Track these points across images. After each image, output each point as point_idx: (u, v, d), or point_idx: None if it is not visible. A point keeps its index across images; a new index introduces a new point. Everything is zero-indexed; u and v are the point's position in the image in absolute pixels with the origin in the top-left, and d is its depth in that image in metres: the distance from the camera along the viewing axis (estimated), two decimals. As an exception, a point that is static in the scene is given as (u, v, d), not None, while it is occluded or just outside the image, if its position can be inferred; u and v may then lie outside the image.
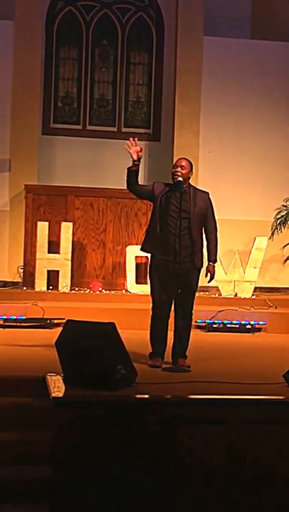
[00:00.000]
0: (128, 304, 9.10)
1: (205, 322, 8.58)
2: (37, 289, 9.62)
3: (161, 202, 6.13)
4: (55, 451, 4.60)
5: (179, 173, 6.13)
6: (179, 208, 6.04)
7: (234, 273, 9.86)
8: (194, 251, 6.16)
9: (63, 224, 9.86)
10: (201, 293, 10.00)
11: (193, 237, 6.15)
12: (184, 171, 6.16)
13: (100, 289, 9.82)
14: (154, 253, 6.17)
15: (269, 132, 11.33)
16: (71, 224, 9.91)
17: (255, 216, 10.98)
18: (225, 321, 8.64)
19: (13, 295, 9.40)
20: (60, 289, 9.65)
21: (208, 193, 6.33)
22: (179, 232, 6.03)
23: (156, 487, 4.58)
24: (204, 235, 6.35)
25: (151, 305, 6.27)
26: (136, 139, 6.19)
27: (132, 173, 6.16)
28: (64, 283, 9.67)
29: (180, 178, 6.11)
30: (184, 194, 6.10)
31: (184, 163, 6.21)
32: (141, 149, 6.19)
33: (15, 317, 8.30)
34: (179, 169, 6.15)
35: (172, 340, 6.21)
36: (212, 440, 4.66)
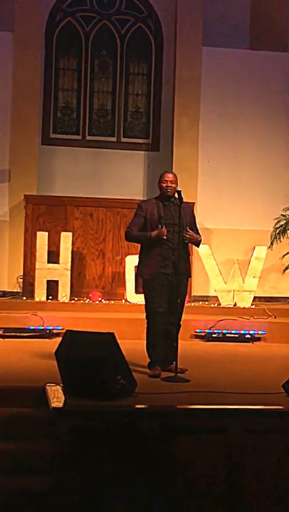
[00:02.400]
0: (127, 313, 9.09)
1: (204, 332, 8.58)
2: (36, 298, 9.63)
3: (155, 220, 6.23)
4: (54, 461, 4.60)
5: (170, 190, 6.27)
6: (174, 223, 6.19)
7: (233, 282, 9.87)
8: (187, 262, 6.34)
9: (63, 234, 9.87)
10: (200, 302, 10.04)
11: (185, 249, 6.32)
12: (174, 185, 6.30)
13: (100, 298, 9.82)
14: (154, 270, 6.20)
15: (268, 142, 11.36)
16: (70, 234, 9.93)
17: (254, 226, 11.00)
18: (224, 331, 8.64)
19: (13, 305, 9.41)
20: (59, 298, 9.65)
21: (192, 204, 6.50)
22: (175, 245, 6.19)
23: (155, 497, 4.57)
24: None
25: (147, 315, 6.29)
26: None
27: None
28: (63, 293, 9.67)
29: (169, 194, 6.26)
30: (174, 208, 6.22)
31: (172, 177, 6.33)
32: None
33: (14, 327, 8.30)
34: (170, 185, 6.28)
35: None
36: (212, 450, 4.65)
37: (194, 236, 6.29)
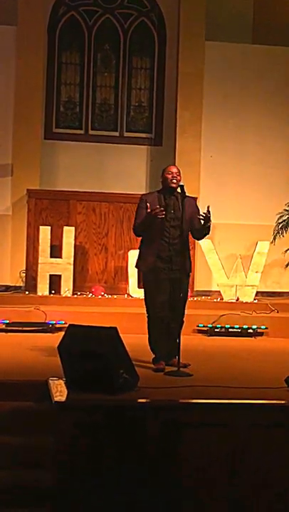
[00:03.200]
0: (130, 308, 9.09)
1: (207, 326, 8.59)
2: (39, 293, 9.63)
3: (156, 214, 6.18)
4: (57, 455, 4.61)
5: (175, 181, 6.23)
6: (172, 217, 6.16)
7: (236, 277, 9.87)
8: (185, 258, 6.24)
9: (65, 228, 9.87)
10: (203, 297, 10.04)
11: (185, 244, 6.23)
12: (178, 177, 6.26)
13: (102, 293, 9.82)
14: (150, 263, 6.19)
15: (271, 137, 11.34)
16: (73, 228, 9.92)
17: (256, 220, 10.99)
18: (227, 326, 8.65)
19: (16, 299, 9.42)
20: (62, 293, 9.65)
21: (195, 199, 6.43)
22: (172, 240, 6.14)
23: (157, 492, 4.58)
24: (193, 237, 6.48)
25: (147, 310, 6.29)
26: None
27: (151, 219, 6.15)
28: (66, 287, 9.68)
29: (174, 186, 6.22)
30: (175, 202, 6.19)
31: (176, 170, 6.31)
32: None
33: (17, 321, 8.31)
34: (176, 176, 6.24)
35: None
36: (214, 444, 4.66)
37: (207, 216, 6.11)
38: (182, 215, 6.11)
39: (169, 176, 6.24)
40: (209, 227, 6.24)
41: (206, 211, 6.11)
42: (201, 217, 6.15)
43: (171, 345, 6.19)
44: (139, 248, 6.45)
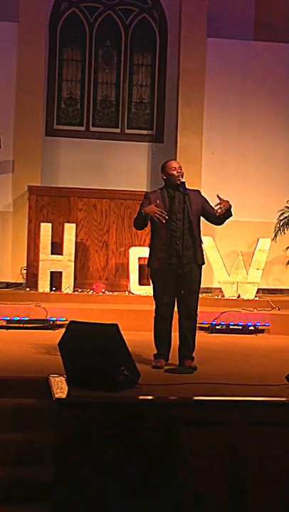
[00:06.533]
0: (131, 305, 9.11)
1: (208, 323, 8.58)
2: (40, 290, 9.63)
3: (161, 209, 6.12)
4: (57, 452, 4.60)
5: (182, 174, 6.18)
6: (178, 211, 6.10)
7: (237, 274, 9.86)
8: (196, 250, 6.16)
9: (66, 225, 9.86)
10: (204, 294, 10.02)
11: (194, 237, 6.15)
12: (182, 171, 6.22)
13: (103, 290, 9.82)
14: (158, 260, 6.15)
15: (272, 133, 11.33)
16: (74, 225, 9.92)
17: (258, 218, 10.98)
18: (228, 323, 8.64)
19: (16, 296, 9.41)
20: (63, 290, 9.65)
21: (199, 191, 6.39)
22: (179, 234, 6.06)
23: (158, 489, 4.58)
24: (211, 222, 6.43)
25: (154, 307, 6.27)
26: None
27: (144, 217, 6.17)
28: (67, 284, 9.67)
29: (184, 180, 6.15)
30: (180, 196, 6.13)
31: (178, 164, 6.27)
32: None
33: (18, 318, 8.32)
34: (180, 171, 6.20)
35: (178, 342, 6.20)
36: (215, 442, 4.66)
37: (224, 202, 6.14)
38: (188, 207, 6.07)
39: (174, 172, 6.17)
40: (231, 211, 6.24)
41: (220, 201, 6.12)
42: (220, 207, 6.12)
43: (184, 347, 6.12)
44: (149, 246, 6.38)
